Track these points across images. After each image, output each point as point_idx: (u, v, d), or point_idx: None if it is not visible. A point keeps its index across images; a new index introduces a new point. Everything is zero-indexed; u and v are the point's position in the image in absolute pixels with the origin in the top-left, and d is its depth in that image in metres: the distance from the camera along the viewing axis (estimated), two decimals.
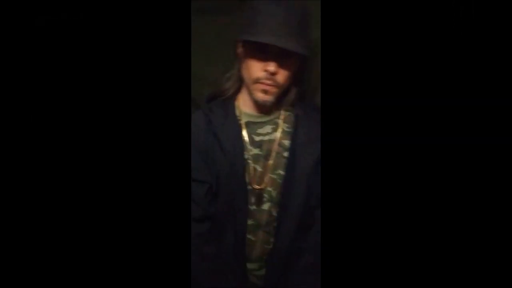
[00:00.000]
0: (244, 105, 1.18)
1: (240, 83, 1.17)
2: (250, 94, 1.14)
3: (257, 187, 1.12)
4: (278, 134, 1.15)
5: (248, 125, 1.16)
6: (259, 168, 1.13)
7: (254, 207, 1.13)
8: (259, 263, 1.15)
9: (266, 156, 1.14)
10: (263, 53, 1.07)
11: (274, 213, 1.13)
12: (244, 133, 1.15)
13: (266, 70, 1.08)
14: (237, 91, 1.19)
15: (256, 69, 1.09)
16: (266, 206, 1.14)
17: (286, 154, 1.14)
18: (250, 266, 1.15)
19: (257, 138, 1.15)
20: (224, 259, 1.12)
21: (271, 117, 1.17)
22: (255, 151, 1.14)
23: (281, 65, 1.08)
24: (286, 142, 1.15)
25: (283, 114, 1.17)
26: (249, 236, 1.13)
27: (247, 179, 1.13)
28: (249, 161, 1.13)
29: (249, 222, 1.13)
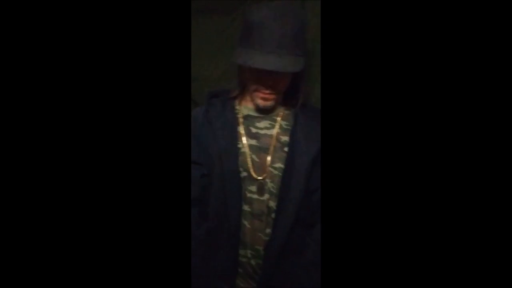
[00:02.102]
0: (245, 101, 1.23)
1: (242, 87, 1.23)
2: (251, 97, 1.20)
3: (258, 177, 1.16)
4: (276, 130, 1.20)
5: (246, 118, 1.21)
6: (256, 159, 1.17)
7: (255, 196, 1.16)
8: (251, 251, 1.16)
9: (264, 149, 1.18)
10: (260, 69, 1.11)
11: (272, 204, 1.16)
12: (241, 125, 1.20)
13: (263, 84, 1.14)
14: (240, 93, 1.25)
15: (254, 81, 1.15)
16: (265, 197, 1.16)
17: (285, 149, 1.17)
18: (242, 252, 1.17)
19: (254, 130, 1.20)
20: (216, 243, 1.16)
21: (270, 114, 1.22)
22: (252, 142, 1.19)
23: (279, 76, 1.13)
24: (284, 138, 1.18)
25: (282, 112, 1.22)
26: (244, 222, 1.16)
27: (242, 168, 1.17)
28: (245, 151, 1.18)
29: (245, 208, 1.16)
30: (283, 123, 1.21)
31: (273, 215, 1.15)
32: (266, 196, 1.16)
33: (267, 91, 1.15)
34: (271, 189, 1.16)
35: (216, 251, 1.16)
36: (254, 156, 1.18)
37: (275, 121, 1.21)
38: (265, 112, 1.21)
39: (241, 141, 1.18)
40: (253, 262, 1.16)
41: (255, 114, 1.22)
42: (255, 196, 1.16)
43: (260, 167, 1.17)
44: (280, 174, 1.16)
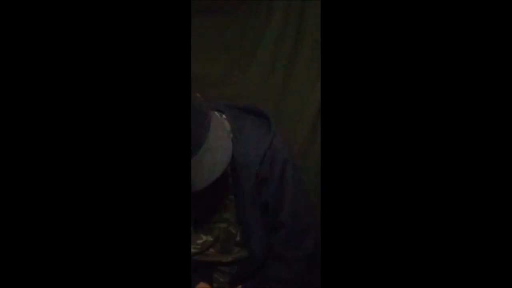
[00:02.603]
0: None
1: None
2: None
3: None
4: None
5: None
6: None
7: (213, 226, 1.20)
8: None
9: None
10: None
11: (233, 231, 1.19)
12: None
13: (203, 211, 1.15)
14: None
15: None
16: (223, 226, 1.19)
17: (230, 180, 1.15)
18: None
19: None
20: None
21: None
22: None
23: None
24: (228, 168, 1.13)
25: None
26: (211, 249, 1.21)
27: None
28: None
29: (208, 238, 1.19)
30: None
31: (237, 238, 1.19)
32: (224, 225, 1.18)
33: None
34: (228, 218, 1.18)
35: None
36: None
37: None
38: None
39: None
40: (224, 260, 1.21)
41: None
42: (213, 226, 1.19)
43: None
44: (232, 203, 1.16)
